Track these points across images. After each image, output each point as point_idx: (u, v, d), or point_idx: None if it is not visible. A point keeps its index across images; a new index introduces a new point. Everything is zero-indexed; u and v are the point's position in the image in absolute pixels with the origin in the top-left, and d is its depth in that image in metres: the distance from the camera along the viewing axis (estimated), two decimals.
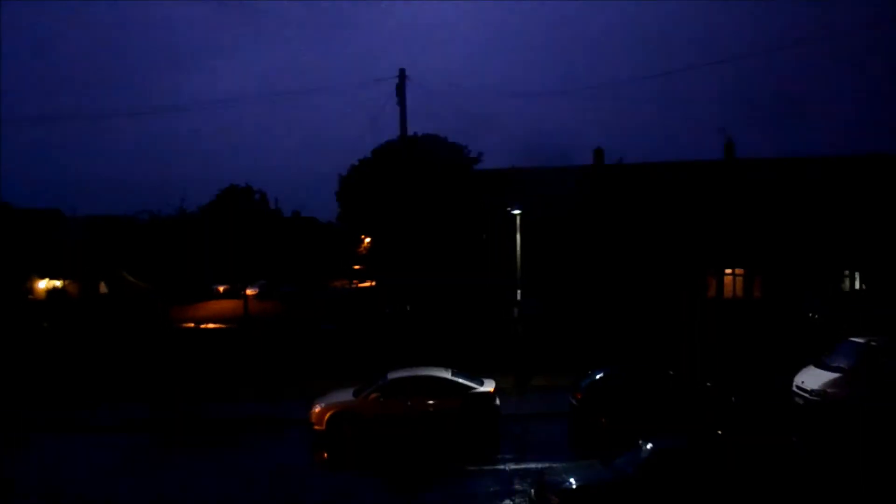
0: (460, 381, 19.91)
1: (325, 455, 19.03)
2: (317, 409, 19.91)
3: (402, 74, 30.19)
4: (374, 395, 19.79)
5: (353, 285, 64.91)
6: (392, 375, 20.36)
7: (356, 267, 60.24)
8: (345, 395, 20.32)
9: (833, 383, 18.99)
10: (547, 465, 15.28)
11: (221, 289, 65.00)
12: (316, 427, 19.73)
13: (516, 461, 17.22)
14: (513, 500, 14.71)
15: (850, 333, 20.82)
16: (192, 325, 36.10)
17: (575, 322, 29.97)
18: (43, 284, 54.92)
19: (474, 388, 19.83)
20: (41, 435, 21.30)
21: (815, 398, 19.12)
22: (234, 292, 60.50)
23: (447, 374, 20.13)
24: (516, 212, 26.37)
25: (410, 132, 33.44)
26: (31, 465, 18.60)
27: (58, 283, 54.95)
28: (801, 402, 19.72)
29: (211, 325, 37.44)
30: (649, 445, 12.74)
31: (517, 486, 15.35)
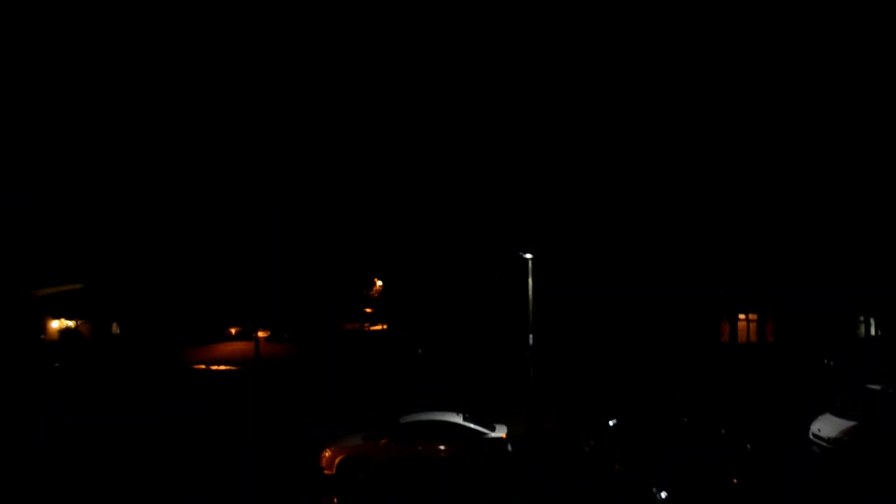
0: (472, 426, 19.72)
1: (335, 500, 18.84)
2: (327, 453, 19.74)
3: None
4: (384, 440, 19.62)
5: (365, 328, 64.86)
6: (403, 420, 20.21)
7: (367, 310, 60.20)
8: (355, 440, 20.17)
9: (850, 431, 18.72)
10: None
11: (233, 330, 65.09)
12: (326, 472, 19.55)
13: None
14: None
15: (867, 380, 20.58)
16: (202, 366, 36.23)
17: (589, 367, 29.84)
18: (56, 324, 55.13)
19: (486, 434, 19.64)
20: None
21: (831, 446, 18.84)
22: (246, 334, 60.49)
23: (458, 419, 19.95)
24: (528, 256, 26.39)
25: None
26: None
27: (70, 324, 55.14)
28: (817, 450, 19.43)
29: (222, 367, 37.49)
30: (663, 494, 12.58)
31: None
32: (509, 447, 19.77)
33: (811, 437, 19.88)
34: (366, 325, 65.96)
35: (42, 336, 51.73)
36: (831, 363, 30.73)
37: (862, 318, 36.68)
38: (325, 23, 39.73)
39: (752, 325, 37.05)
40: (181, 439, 23.35)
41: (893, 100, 33.42)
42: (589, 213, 36.76)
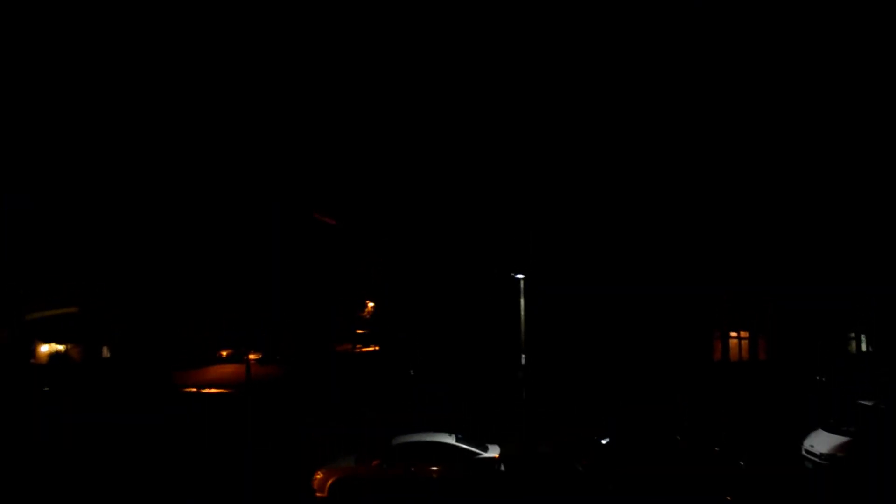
0: (465, 447, 19.65)
1: None
2: (319, 475, 19.60)
3: None
4: (377, 461, 19.51)
5: (357, 349, 64.69)
6: (396, 441, 20.11)
7: (359, 332, 60.09)
8: (347, 461, 20.05)
9: (843, 447, 18.75)
10: None
11: (224, 353, 64.77)
12: (318, 494, 19.40)
13: None
14: None
15: (859, 396, 20.64)
16: (193, 389, 36.11)
17: (584, 381, 29.87)
18: (45, 348, 54.70)
19: (479, 454, 19.57)
20: None
21: (824, 462, 18.85)
22: (237, 356, 60.20)
23: (451, 440, 19.88)
24: (520, 276, 26.43)
25: None
26: None
27: (60, 348, 54.71)
28: (810, 465, 19.44)
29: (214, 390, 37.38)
30: None
31: None
32: (502, 467, 19.69)
33: (804, 452, 19.90)
34: (357, 346, 65.68)
35: (31, 360, 51.35)
36: (823, 379, 30.79)
37: (853, 335, 36.79)
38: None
39: (744, 343, 37.14)
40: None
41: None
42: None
